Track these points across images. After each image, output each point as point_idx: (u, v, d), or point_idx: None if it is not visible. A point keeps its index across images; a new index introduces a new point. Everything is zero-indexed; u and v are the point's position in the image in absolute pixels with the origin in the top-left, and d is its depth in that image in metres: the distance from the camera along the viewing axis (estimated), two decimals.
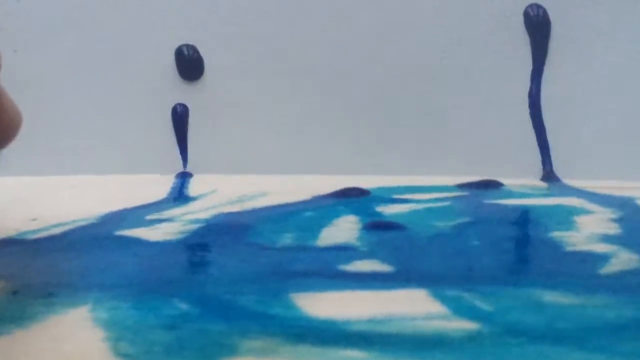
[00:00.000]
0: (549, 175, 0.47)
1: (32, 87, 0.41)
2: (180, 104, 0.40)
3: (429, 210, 0.40)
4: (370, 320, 0.26)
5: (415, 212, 0.40)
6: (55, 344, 0.25)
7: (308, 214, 0.40)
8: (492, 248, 0.34)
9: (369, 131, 0.46)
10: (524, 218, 0.39)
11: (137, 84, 0.44)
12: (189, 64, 0.39)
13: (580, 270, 0.31)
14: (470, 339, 0.24)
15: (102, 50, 0.41)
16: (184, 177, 0.49)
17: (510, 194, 0.43)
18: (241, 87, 0.42)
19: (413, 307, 0.27)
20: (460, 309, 0.26)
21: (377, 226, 0.37)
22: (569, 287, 0.28)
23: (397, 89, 0.46)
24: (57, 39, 0.39)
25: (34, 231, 0.37)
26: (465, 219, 0.38)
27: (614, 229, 0.36)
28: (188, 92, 0.40)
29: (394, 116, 0.47)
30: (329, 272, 0.31)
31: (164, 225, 0.38)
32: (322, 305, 0.27)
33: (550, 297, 0.27)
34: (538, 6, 0.41)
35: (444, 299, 0.27)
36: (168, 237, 0.36)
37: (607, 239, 0.35)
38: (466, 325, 0.25)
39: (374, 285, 0.29)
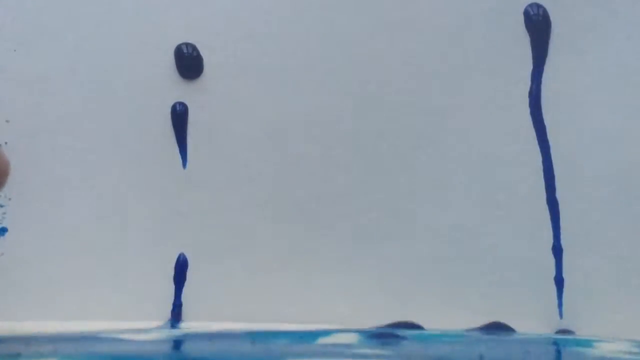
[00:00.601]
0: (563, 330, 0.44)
1: (32, 87, 0.39)
2: (179, 103, 0.39)
3: (435, 335, 0.37)
4: None
5: (422, 335, 0.37)
6: None
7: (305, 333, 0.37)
8: (507, 352, 0.31)
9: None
10: (542, 341, 0.36)
11: (136, 82, 0.42)
12: (189, 63, 0.38)
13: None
14: None
15: (102, 49, 0.40)
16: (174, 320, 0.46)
17: (524, 335, 0.40)
18: (241, 85, 0.40)
19: None
20: None
21: (378, 335, 0.34)
22: None
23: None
24: (57, 39, 0.39)
25: None
26: (476, 339, 0.35)
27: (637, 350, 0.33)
28: (187, 91, 0.39)
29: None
30: (328, 353, 0.28)
31: (149, 334, 0.35)
32: None
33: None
34: (538, 5, 0.41)
35: None
36: (152, 338, 0.33)
37: (632, 353, 0.32)
38: None
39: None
